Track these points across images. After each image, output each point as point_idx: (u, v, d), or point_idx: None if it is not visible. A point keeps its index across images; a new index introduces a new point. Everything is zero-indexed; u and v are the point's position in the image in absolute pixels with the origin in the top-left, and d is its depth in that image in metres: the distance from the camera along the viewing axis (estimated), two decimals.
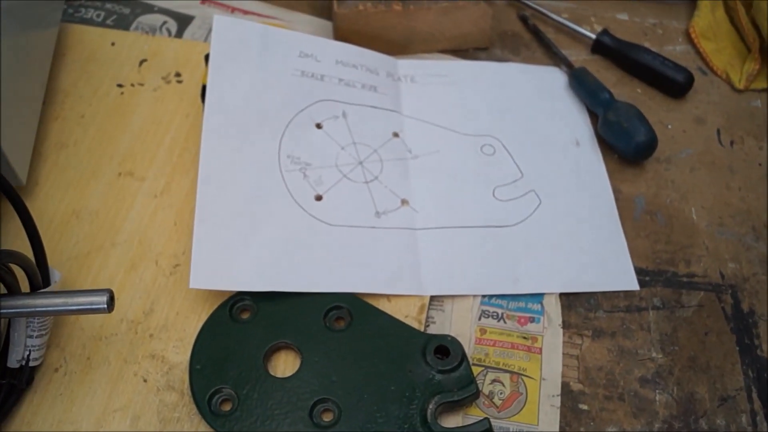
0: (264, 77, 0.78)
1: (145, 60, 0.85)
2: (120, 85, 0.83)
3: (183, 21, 0.91)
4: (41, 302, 0.57)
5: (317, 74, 0.80)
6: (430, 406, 0.60)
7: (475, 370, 0.65)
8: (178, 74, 0.84)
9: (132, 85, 0.83)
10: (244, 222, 0.69)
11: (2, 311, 0.56)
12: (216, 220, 0.68)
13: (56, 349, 0.64)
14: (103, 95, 0.82)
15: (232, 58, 0.77)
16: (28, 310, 0.56)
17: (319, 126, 0.77)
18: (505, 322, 0.68)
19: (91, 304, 0.56)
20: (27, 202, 0.61)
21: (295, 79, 0.79)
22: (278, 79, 0.78)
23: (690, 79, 0.86)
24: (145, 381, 0.63)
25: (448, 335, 0.65)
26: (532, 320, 0.68)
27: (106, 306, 0.56)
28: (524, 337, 0.67)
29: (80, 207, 0.73)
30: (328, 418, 0.61)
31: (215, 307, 0.66)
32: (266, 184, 0.72)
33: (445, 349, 0.64)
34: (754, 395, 0.66)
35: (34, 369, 0.62)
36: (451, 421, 0.62)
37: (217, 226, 0.68)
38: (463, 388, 0.62)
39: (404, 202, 0.74)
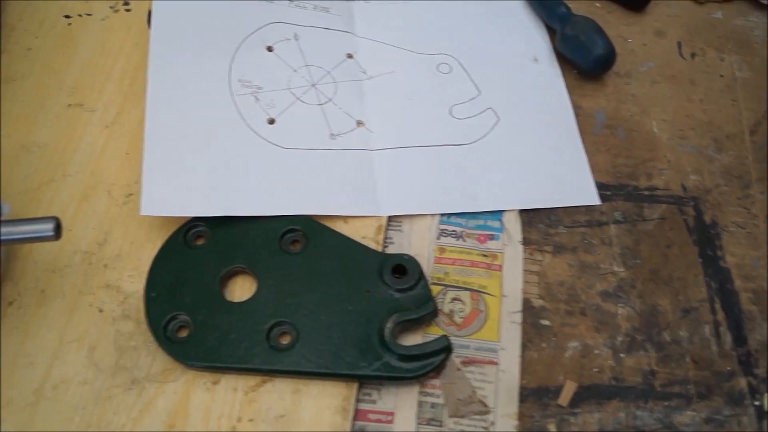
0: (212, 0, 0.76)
1: None
2: (67, 16, 0.81)
3: None
4: None
5: None
6: (388, 325, 0.60)
7: (435, 289, 0.65)
8: (126, 2, 0.83)
9: (80, 15, 0.81)
10: (195, 147, 0.68)
11: None
12: (166, 146, 0.67)
13: (9, 282, 0.63)
14: (50, 27, 0.80)
15: None
16: None
17: (270, 49, 0.75)
18: (464, 241, 0.68)
19: (37, 231, 0.55)
20: None
21: (244, 2, 0.77)
22: (227, 1, 0.76)
23: None
24: (100, 311, 0.62)
25: (405, 254, 0.64)
26: (491, 238, 0.68)
27: (53, 233, 0.55)
28: (484, 255, 0.67)
29: (30, 140, 0.71)
30: (285, 340, 0.60)
31: (170, 234, 0.65)
32: (217, 108, 0.70)
33: (402, 268, 0.63)
34: (717, 306, 0.66)
35: None
36: (411, 340, 0.62)
37: (168, 152, 0.67)
38: (420, 306, 0.61)
39: (359, 123, 0.73)
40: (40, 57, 0.78)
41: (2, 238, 0.55)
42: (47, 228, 0.55)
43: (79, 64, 0.77)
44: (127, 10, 0.82)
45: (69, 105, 0.74)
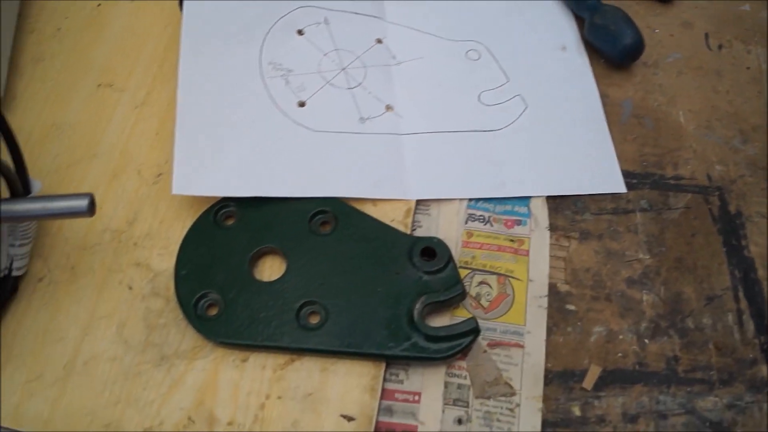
0: None
1: None
2: None
3: None
4: (21, 207, 0.56)
5: None
6: (417, 306, 0.60)
7: (462, 272, 0.65)
8: None
9: None
10: (226, 128, 0.68)
11: None
12: (197, 126, 0.68)
13: (39, 259, 0.64)
14: (80, 6, 0.81)
15: None
16: (9, 213, 0.56)
17: (300, 32, 0.76)
18: (491, 225, 0.68)
19: (72, 207, 0.55)
20: (5, 115, 0.60)
21: None
22: None
23: None
24: (130, 288, 0.63)
25: (435, 237, 0.64)
26: (518, 223, 0.68)
27: (86, 209, 0.55)
28: (511, 240, 0.67)
29: (60, 120, 0.72)
30: (314, 320, 0.60)
31: (199, 214, 0.65)
32: (248, 90, 0.71)
33: (431, 250, 0.63)
34: (741, 294, 0.66)
35: (18, 279, 0.62)
36: (439, 322, 0.62)
37: (199, 133, 0.68)
38: (449, 289, 0.62)
39: (388, 107, 0.73)
40: (69, 37, 0.78)
41: (37, 213, 0.56)
42: (82, 204, 0.55)
43: (109, 45, 0.78)
44: None
45: (99, 85, 0.75)
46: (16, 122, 0.70)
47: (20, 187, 0.59)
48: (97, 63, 0.76)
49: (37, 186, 0.62)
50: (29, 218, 0.58)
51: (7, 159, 0.58)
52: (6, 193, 0.59)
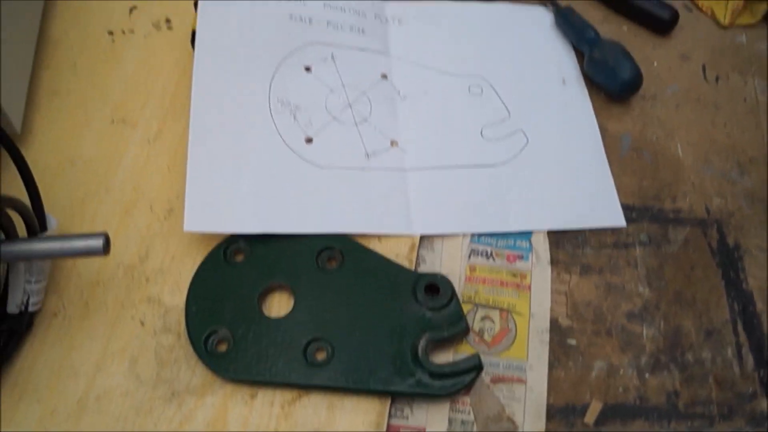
0: (253, 21, 0.78)
1: (135, 7, 0.85)
2: (110, 33, 0.83)
3: None
4: (39, 246, 0.58)
5: (305, 17, 0.80)
6: (421, 343, 0.62)
7: (466, 307, 0.66)
8: (168, 20, 0.84)
9: (123, 32, 0.83)
10: (236, 165, 0.70)
11: (1, 255, 0.57)
12: (208, 163, 0.69)
13: (54, 295, 0.65)
14: (94, 43, 0.82)
15: (221, 3, 0.78)
16: (27, 254, 0.57)
17: (308, 69, 0.77)
18: (494, 260, 0.69)
19: (88, 247, 0.57)
20: (21, 150, 0.61)
21: (284, 23, 0.79)
22: (267, 22, 0.79)
23: (675, 16, 0.87)
24: (142, 324, 0.64)
25: (438, 273, 0.66)
26: (520, 257, 0.70)
27: (102, 248, 0.56)
28: (513, 275, 0.68)
29: (74, 154, 0.73)
30: (321, 356, 0.62)
31: (209, 250, 0.67)
32: (257, 127, 0.72)
33: (435, 286, 0.65)
34: (740, 328, 0.67)
35: (33, 315, 0.63)
36: (443, 357, 0.64)
37: (210, 170, 0.69)
38: (453, 325, 0.63)
39: (393, 143, 0.74)
40: (84, 72, 0.79)
41: (53, 252, 0.58)
42: (97, 243, 0.56)
43: (122, 81, 0.79)
44: (169, 29, 0.84)
45: (113, 120, 0.76)
46: (32, 157, 0.71)
47: (37, 225, 0.61)
48: (111, 98, 0.78)
49: (53, 222, 0.64)
50: (45, 257, 0.59)
51: (23, 196, 0.60)
52: (23, 231, 0.60)
